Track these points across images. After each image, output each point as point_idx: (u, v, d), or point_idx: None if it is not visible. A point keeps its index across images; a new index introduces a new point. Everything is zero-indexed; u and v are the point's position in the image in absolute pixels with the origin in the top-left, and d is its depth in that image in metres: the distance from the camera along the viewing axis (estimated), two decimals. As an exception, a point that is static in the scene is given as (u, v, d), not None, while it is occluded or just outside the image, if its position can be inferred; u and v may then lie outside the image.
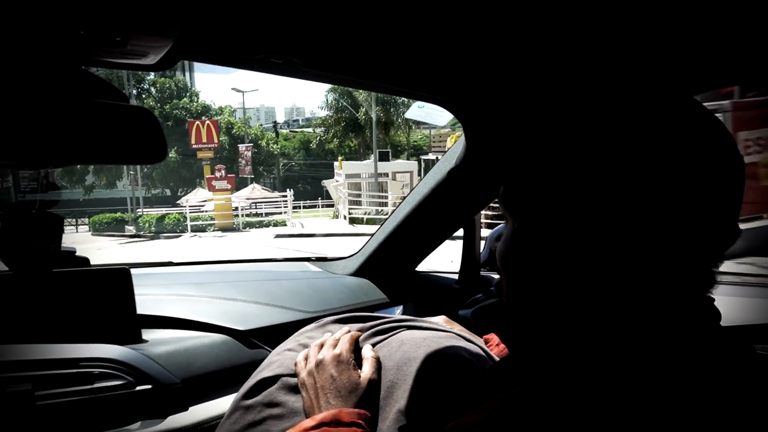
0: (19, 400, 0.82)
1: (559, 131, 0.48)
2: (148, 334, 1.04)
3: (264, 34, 0.64)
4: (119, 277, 1.04)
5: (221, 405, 0.96)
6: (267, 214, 21.14)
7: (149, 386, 0.91)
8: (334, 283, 1.41)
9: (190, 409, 0.96)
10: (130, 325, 1.03)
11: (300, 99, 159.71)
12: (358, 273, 1.48)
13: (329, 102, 32.77)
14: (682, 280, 0.46)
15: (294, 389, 0.75)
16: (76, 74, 0.69)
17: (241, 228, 18.07)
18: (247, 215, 20.49)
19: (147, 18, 0.54)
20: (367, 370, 0.73)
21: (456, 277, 1.48)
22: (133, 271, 1.06)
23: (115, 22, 0.55)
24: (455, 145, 1.13)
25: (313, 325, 0.89)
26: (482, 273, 1.47)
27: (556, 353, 0.50)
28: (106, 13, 0.54)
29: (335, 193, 21.23)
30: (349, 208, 17.68)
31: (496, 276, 1.47)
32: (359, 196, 19.21)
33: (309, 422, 0.66)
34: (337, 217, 19.45)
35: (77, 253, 1.00)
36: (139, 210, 23.03)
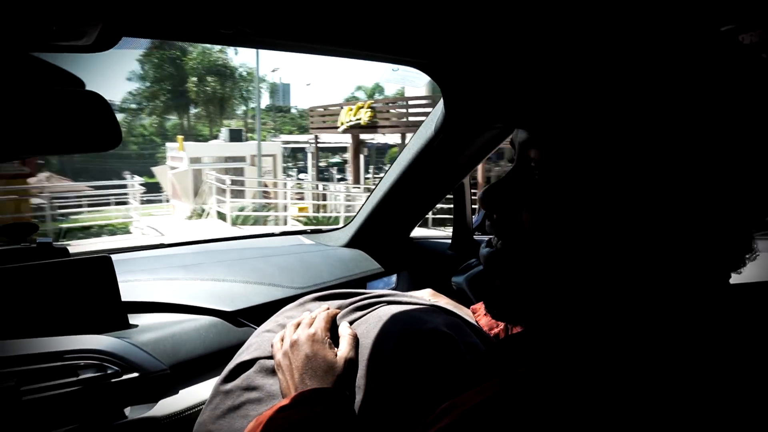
0: (4, 396, 0.82)
1: (578, 77, 0.43)
2: (134, 321, 1.03)
3: (209, 4, 0.60)
4: (101, 265, 1.02)
5: (211, 389, 0.95)
6: (59, 217, 11.57)
7: (136, 374, 0.90)
8: (326, 257, 1.39)
9: (180, 393, 0.95)
10: (115, 312, 1.02)
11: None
12: (351, 244, 1.46)
13: (146, 71, 27.01)
14: (708, 260, 0.41)
15: (272, 371, 0.74)
16: (21, 61, 0.65)
17: (61, 236, 10.25)
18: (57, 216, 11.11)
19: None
20: (343, 349, 0.71)
21: (449, 243, 1.45)
22: (119, 256, 1.04)
23: (41, 4, 0.51)
24: (434, 110, 1.08)
25: (293, 304, 0.88)
26: (476, 238, 1.44)
27: (560, 331, 0.46)
28: None
29: (184, 184, 15.09)
30: (224, 203, 11.24)
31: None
32: (243, 184, 12.82)
33: (284, 402, 0.64)
34: (200, 216, 12.87)
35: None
36: None
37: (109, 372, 0.89)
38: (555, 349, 0.45)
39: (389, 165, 1.23)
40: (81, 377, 0.87)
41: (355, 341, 0.73)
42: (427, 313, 0.77)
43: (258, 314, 1.10)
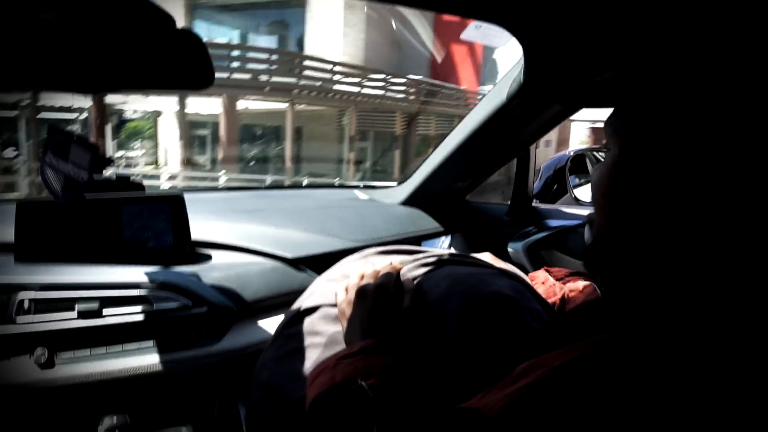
0: (90, 316, 0.88)
1: (681, 48, 0.43)
2: (202, 259, 1.08)
3: None
4: (174, 203, 1.06)
5: (273, 328, 0.99)
6: None
7: (205, 308, 0.95)
8: (383, 212, 1.40)
9: (244, 330, 1.00)
10: (185, 248, 1.06)
11: None
12: (408, 201, 1.46)
13: None
14: None
15: (334, 319, 0.76)
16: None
17: None
18: None
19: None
20: (406, 303, 0.71)
21: (506, 208, 1.44)
22: (188, 195, 1.08)
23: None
24: (508, 73, 1.05)
25: (355, 255, 0.89)
26: (534, 205, 1.42)
27: (647, 297, 0.47)
28: None
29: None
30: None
31: (548, 208, 1.43)
32: None
33: (349, 350, 0.66)
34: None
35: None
36: None
37: (180, 305, 0.94)
38: (638, 317, 0.46)
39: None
40: (155, 307, 0.92)
41: (418, 296, 0.73)
42: (491, 275, 0.77)
43: (317, 262, 1.13)
